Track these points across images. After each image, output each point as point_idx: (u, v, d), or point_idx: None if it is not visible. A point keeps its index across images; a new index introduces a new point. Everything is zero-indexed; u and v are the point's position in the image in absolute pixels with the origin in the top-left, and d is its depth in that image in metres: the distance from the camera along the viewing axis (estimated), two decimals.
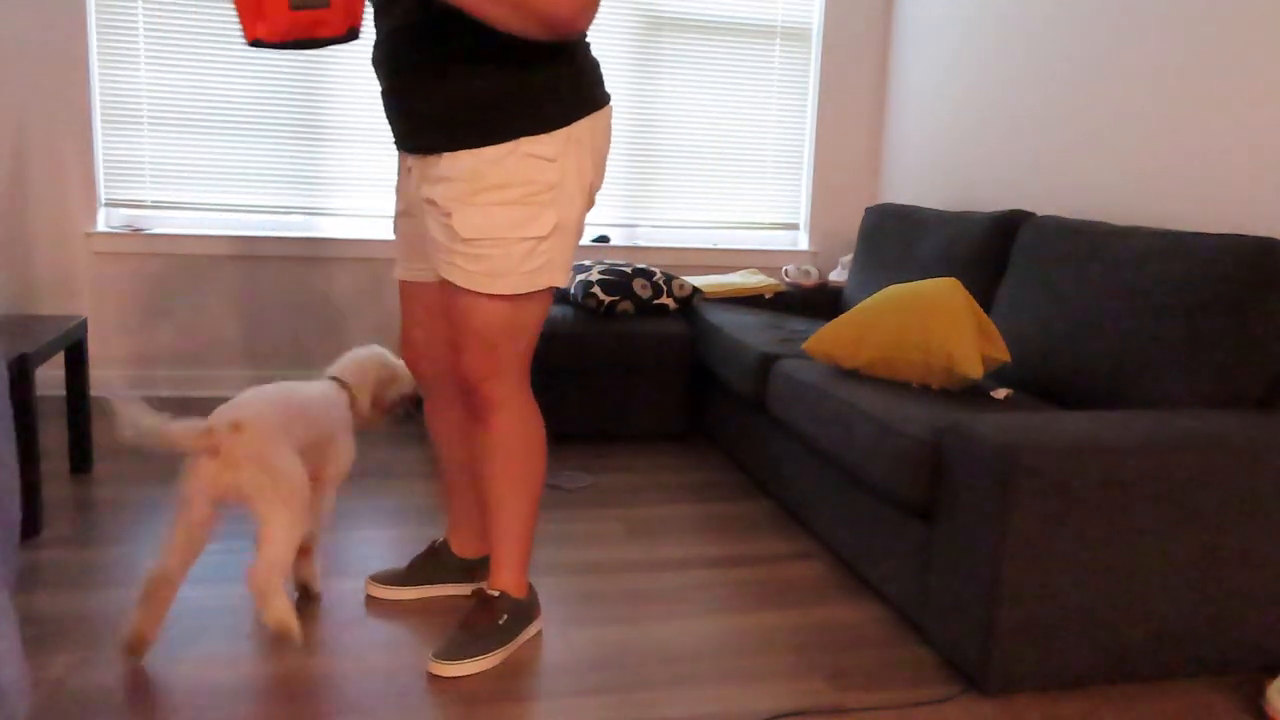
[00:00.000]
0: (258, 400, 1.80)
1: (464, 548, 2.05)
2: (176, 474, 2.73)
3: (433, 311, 1.90)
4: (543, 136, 1.61)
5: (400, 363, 2.18)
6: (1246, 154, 2.27)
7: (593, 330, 3.14)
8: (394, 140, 1.82)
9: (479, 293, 1.66)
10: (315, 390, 1.97)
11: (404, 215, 1.86)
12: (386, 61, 1.66)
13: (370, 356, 2.15)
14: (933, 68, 3.69)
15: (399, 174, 1.85)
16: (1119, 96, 2.68)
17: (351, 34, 1.58)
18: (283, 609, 1.68)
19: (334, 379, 2.06)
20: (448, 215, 1.64)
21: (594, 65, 1.70)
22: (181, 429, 1.68)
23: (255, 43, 1.54)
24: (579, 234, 1.75)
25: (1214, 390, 1.98)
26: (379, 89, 3.71)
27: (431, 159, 1.67)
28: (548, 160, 1.62)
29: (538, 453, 1.80)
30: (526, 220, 1.63)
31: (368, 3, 1.75)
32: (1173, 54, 2.50)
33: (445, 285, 1.71)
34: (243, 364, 3.71)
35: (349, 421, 2.04)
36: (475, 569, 2.07)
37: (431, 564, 2.05)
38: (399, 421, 3.29)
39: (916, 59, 3.83)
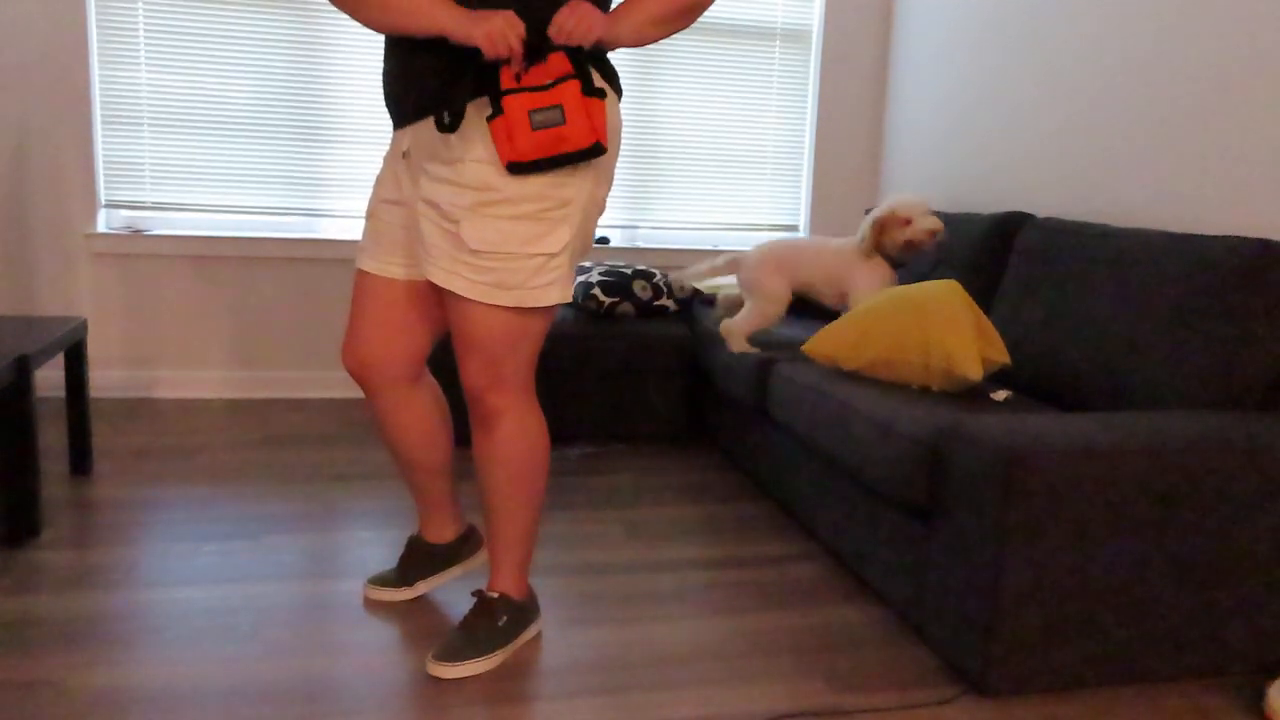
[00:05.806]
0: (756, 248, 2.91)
1: (438, 535, 2.05)
2: (176, 475, 2.73)
3: (396, 311, 1.80)
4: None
5: (914, 206, 2.70)
6: (1246, 154, 2.28)
7: (593, 332, 3.14)
8: (392, 115, 1.72)
9: (482, 303, 1.63)
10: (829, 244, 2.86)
11: (394, 204, 1.76)
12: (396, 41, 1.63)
13: (885, 204, 2.75)
14: (932, 69, 3.70)
15: (388, 162, 1.77)
16: (1119, 97, 2.68)
17: (597, 148, 1.54)
18: (740, 346, 2.86)
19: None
20: (454, 224, 1.58)
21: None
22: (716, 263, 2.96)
23: (510, 165, 1.53)
24: (589, 246, 1.72)
25: (1214, 391, 1.98)
26: (378, 90, 3.73)
27: (436, 135, 1.60)
28: (565, 174, 1.59)
29: (540, 460, 1.78)
30: (539, 236, 1.59)
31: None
32: (1171, 55, 2.50)
33: (444, 292, 1.66)
34: (242, 365, 3.71)
35: (853, 258, 2.77)
36: (458, 552, 2.08)
37: (415, 560, 2.05)
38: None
39: (916, 60, 3.83)
